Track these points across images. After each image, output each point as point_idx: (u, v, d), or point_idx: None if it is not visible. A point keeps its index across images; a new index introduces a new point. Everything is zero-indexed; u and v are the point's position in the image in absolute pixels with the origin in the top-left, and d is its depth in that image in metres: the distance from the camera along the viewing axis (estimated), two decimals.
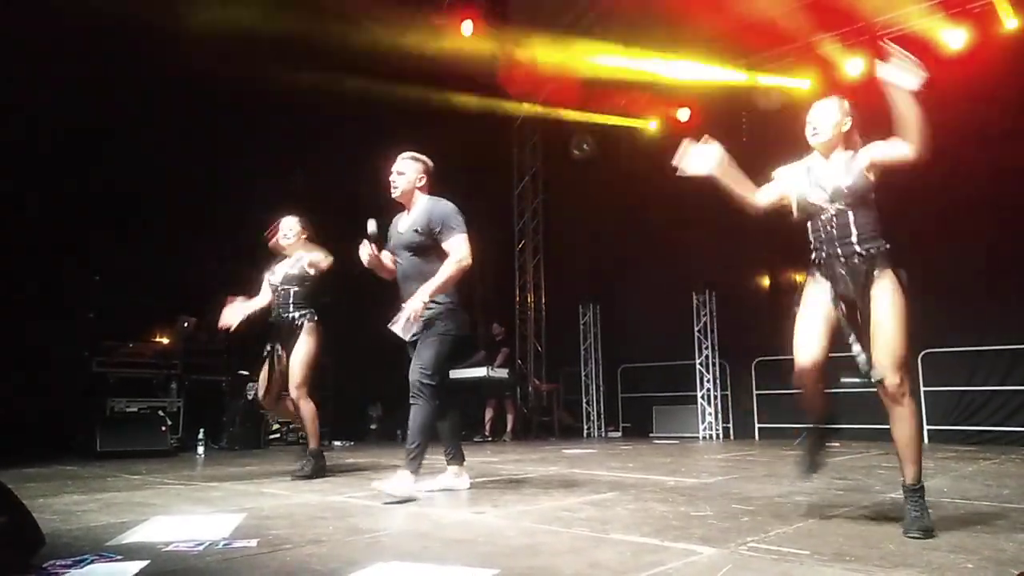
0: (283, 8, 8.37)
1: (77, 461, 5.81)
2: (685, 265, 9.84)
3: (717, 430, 9.52)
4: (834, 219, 2.82)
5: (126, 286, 7.03)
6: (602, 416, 10.76)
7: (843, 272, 2.79)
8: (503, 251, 12.13)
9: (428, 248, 3.84)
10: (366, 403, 9.59)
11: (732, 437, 9.49)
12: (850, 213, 2.81)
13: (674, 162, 3.03)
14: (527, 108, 12.04)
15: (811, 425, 3.07)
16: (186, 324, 7.64)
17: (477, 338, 10.86)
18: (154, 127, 7.24)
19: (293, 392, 4.74)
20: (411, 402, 3.69)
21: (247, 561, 2.22)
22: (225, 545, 2.45)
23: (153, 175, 7.18)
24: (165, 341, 7.63)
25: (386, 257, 4.03)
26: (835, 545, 2.39)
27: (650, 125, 10.78)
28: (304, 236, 4.98)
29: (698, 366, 9.67)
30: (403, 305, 3.76)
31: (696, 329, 9.67)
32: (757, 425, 9.24)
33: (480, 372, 9.50)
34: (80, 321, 6.95)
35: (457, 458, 4.12)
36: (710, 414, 9.59)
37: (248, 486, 4.24)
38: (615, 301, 10.77)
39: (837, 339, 2.83)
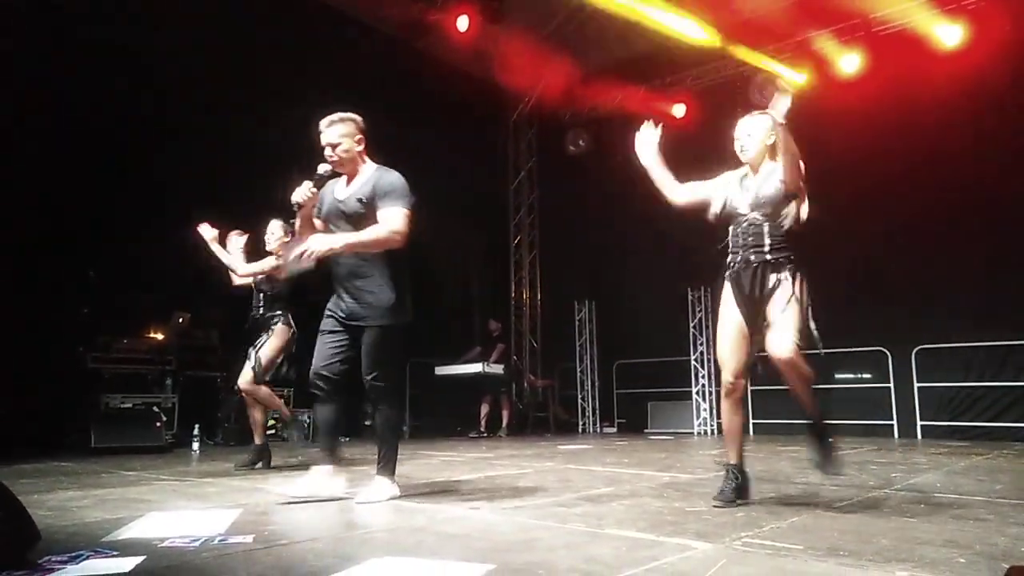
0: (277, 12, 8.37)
1: (72, 457, 5.79)
2: (680, 261, 9.85)
3: (712, 425, 9.55)
4: (751, 227, 3.09)
5: (120, 282, 7.01)
6: (597, 412, 10.79)
7: (751, 276, 3.06)
8: (498, 247, 12.14)
9: (369, 222, 3.39)
10: (361, 398, 9.58)
11: None
12: (765, 223, 3.06)
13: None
14: (522, 105, 12.05)
15: (814, 427, 3.26)
16: (180, 320, 7.62)
17: (473, 333, 10.89)
18: (147, 122, 7.21)
19: (243, 383, 4.99)
20: (375, 407, 3.54)
21: (243, 557, 2.22)
22: (221, 541, 2.44)
23: (147, 171, 7.15)
24: (160, 337, 7.60)
25: (318, 223, 3.57)
26: (829, 540, 2.40)
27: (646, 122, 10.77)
28: (286, 240, 5.02)
29: (693, 362, 9.70)
30: (339, 290, 3.49)
31: (691, 325, 9.70)
32: (752, 421, 9.27)
33: (476, 368, 9.51)
34: (74, 317, 6.92)
35: (333, 457, 3.60)
36: (705, 410, 9.62)
37: (243, 482, 4.24)
38: (610, 297, 10.79)
39: (753, 343, 3.12)
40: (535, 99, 11.87)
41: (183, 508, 3.20)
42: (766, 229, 3.05)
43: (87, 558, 2.16)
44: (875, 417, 8.26)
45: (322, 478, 3.46)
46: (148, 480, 4.32)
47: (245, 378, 5.01)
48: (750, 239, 3.08)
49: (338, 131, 3.49)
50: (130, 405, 6.89)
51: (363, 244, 3.34)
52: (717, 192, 3.25)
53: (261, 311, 5.12)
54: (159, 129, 7.20)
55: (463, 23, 9.49)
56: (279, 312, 5.10)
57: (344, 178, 3.56)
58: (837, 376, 8.77)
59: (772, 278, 3.02)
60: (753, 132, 3.14)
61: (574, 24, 10.51)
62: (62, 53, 6.71)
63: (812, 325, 3.01)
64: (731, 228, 3.18)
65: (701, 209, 3.30)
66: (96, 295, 7.00)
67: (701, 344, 9.67)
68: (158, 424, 6.61)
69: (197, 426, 6.89)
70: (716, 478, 3.40)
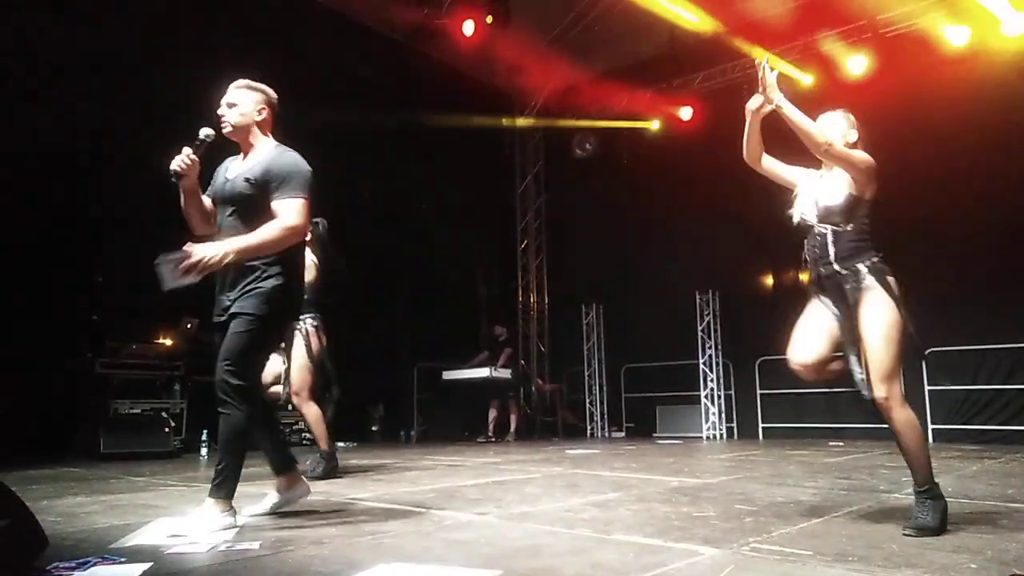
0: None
1: (80, 463, 5.82)
2: (688, 264, 9.83)
3: (721, 430, 9.51)
4: (815, 237, 2.90)
5: (129, 287, 7.04)
6: (605, 416, 10.76)
7: (831, 289, 2.86)
8: (505, 251, 12.15)
9: (258, 207, 2.94)
10: (368, 403, 9.60)
11: (736, 437, 9.48)
12: (829, 233, 2.86)
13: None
14: (529, 108, 12.06)
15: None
16: (189, 325, 7.65)
17: (480, 337, 10.89)
18: (156, 127, 7.25)
19: (294, 399, 4.75)
20: (219, 410, 2.86)
21: (250, 563, 2.23)
22: (228, 547, 2.45)
23: (157, 176, 7.18)
24: (168, 342, 7.63)
25: (207, 201, 3.13)
26: (838, 546, 2.38)
27: (653, 125, 10.77)
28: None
29: (701, 366, 9.66)
30: (218, 285, 3.03)
31: (699, 328, 9.66)
32: (761, 425, 9.22)
33: (483, 373, 9.50)
34: (83, 323, 6.96)
35: (287, 466, 3.24)
36: (714, 414, 9.58)
37: (251, 488, 4.23)
38: (618, 301, 10.77)
39: (836, 347, 2.86)
40: (541, 103, 11.88)
41: (191, 514, 3.20)
42: (830, 239, 2.85)
43: (95, 564, 2.16)
44: (884, 421, 8.19)
45: (285, 493, 3.21)
46: (156, 486, 4.33)
47: (293, 388, 4.69)
48: (817, 251, 2.88)
49: (242, 93, 3.12)
50: (139, 411, 6.92)
51: (258, 250, 2.87)
52: (796, 181, 3.03)
53: None
54: (172, 131, 7.23)
55: (469, 27, 9.51)
56: (306, 315, 4.74)
57: (241, 156, 3.15)
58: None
59: (850, 288, 2.79)
60: (835, 129, 2.89)
61: (580, 27, 10.52)
62: (70, 55, 6.75)
63: (911, 329, 2.74)
64: (806, 241, 2.97)
65: (775, 180, 3.09)
66: (105, 301, 7.03)
67: (710, 348, 9.63)
68: (167, 430, 6.63)
69: (206, 431, 6.91)
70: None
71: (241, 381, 2.84)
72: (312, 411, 4.82)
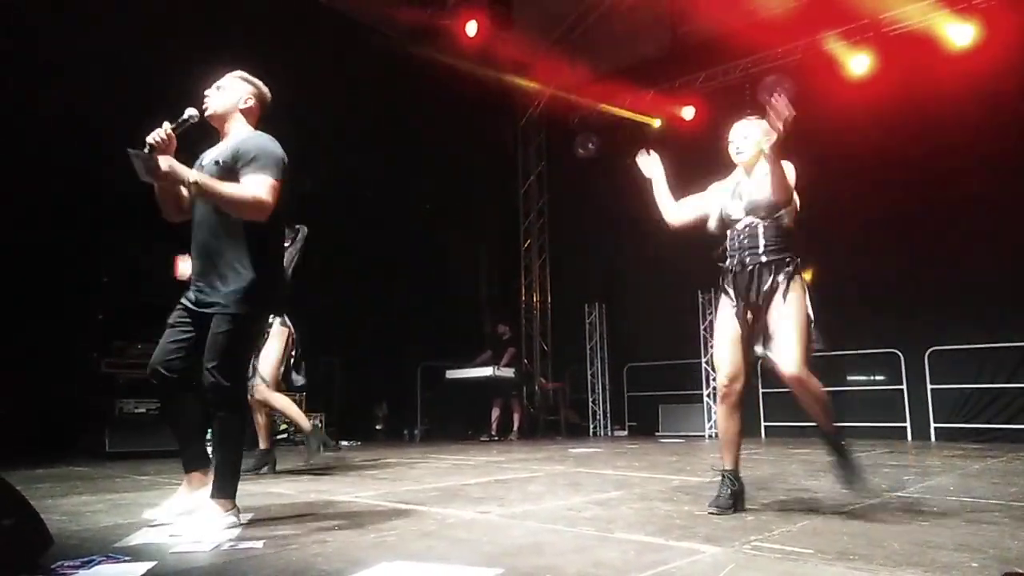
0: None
1: (86, 462, 5.85)
2: (690, 263, 9.80)
3: None
4: (746, 229, 3.10)
5: (135, 287, 7.06)
6: (608, 415, 10.77)
7: (747, 278, 3.05)
8: (509, 251, 12.16)
9: None
10: (371, 402, 9.62)
11: None
12: (760, 225, 3.07)
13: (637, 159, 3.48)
14: (532, 109, 12.07)
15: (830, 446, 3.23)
16: None
17: (483, 336, 10.91)
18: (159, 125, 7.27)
19: (261, 391, 4.81)
20: (211, 410, 2.82)
21: (253, 561, 2.24)
22: (231, 545, 2.46)
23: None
24: None
25: (189, 171, 2.80)
26: (839, 544, 2.39)
27: (655, 123, 10.75)
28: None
29: (704, 364, 9.66)
30: (192, 275, 2.96)
31: (702, 327, 9.66)
32: (763, 423, 9.22)
33: (487, 372, 9.52)
34: (89, 322, 6.99)
35: (199, 461, 3.05)
36: (716, 412, 9.57)
37: (255, 486, 4.25)
38: (621, 300, 10.78)
39: (749, 350, 3.11)
40: (544, 103, 11.88)
41: (193, 514, 3.21)
42: (761, 230, 3.06)
43: (99, 563, 2.18)
44: (888, 419, 8.20)
45: (186, 496, 2.96)
46: (161, 485, 4.35)
47: (256, 391, 4.76)
48: (745, 241, 3.09)
49: (234, 81, 3.07)
50: (144, 410, 6.94)
51: (221, 198, 2.78)
52: (712, 204, 3.27)
53: None
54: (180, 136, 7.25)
55: (472, 28, 9.53)
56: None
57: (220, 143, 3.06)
58: (849, 378, 8.72)
59: (768, 280, 3.00)
60: (749, 135, 3.15)
61: (582, 28, 10.53)
62: (69, 55, 6.76)
63: (813, 331, 2.99)
64: (728, 234, 3.19)
65: (700, 225, 3.32)
66: (110, 300, 7.06)
67: (712, 347, 9.61)
68: None
69: (210, 431, 6.92)
70: (713, 483, 3.39)
71: (229, 383, 2.80)
72: (281, 399, 4.90)
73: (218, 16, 7.65)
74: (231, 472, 2.85)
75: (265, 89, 3.16)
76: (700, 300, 9.66)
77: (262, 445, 5.03)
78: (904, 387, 8.17)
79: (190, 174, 2.76)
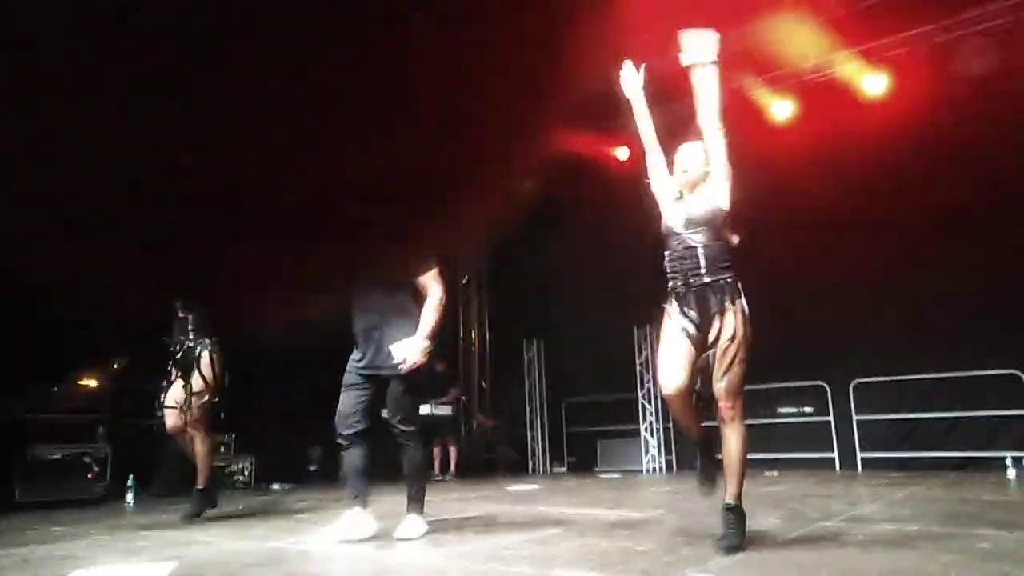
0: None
1: None
2: (625, 300, 9.99)
3: (661, 463, 9.60)
4: (686, 250, 3.12)
5: (50, 327, 6.74)
6: (547, 451, 10.74)
7: (693, 299, 3.06)
8: (447, 288, 12.11)
9: None
10: (305, 445, 9.35)
11: (675, 469, 9.58)
12: (700, 246, 3.09)
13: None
14: None
15: (698, 443, 3.36)
16: (116, 365, 7.35)
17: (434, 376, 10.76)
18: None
19: (190, 428, 4.60)
20: (402, 448, 3.85)
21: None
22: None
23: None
24: (93, 384, 7.31)
25: None
26: (773, 574, 2.43)
27: (588, 165, 10.99)
28: None
29: (640, 399, 9.78)
30: (359, 339, 3.80)
31: (638, 362, 9.80)
32: (700, 457, 9.34)
33: (423, 411, 9.38)
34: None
35: (362, 500, 3.83)
36: (653, 447, 9.68)
37: (180, 533, 4.07)
38: (559, 336, 10.84)
39: (697, 370, 3.09)
40: None
41: (113, 564, 3.05)
42: (700, 251, 3.07)
43: None
44: (817, 450, 8.43)
45: (354, 521, 3.61)
46: (77, 536, 4.11)
47: (172, 420, 4.57)
48: (687, 263, 3.09)
49: None
50: (59, 456, 6.57)
51: (434, 329, 3.77)
52: (664, 190, 3.32)
53: (188, 338, 4.64)
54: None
55: None
56: (204, 339, 4.64)
57: None
58: (780, 410, 8.96)
59: (714, 301, 3.01)
60: (696, 157, 3.24)
61: None
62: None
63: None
64: (667, 251, 3.20)
65: (651, 178, 3.40)
66: (24, 341, 6.71)
67: (648, 381, 9.76)
68: (90, 475, 6.31)
69: (132, 476, 6.60)
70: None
71: (412, 428, 3.82)
72: (207, 446, 4.66)
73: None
74: (422, 491, 3.85)
75: None
76: (636, 335, 9.82)
77: (202, 483, 4.71)
78: (831, 418, 8.43)
79: (427, 343, 3.86)
